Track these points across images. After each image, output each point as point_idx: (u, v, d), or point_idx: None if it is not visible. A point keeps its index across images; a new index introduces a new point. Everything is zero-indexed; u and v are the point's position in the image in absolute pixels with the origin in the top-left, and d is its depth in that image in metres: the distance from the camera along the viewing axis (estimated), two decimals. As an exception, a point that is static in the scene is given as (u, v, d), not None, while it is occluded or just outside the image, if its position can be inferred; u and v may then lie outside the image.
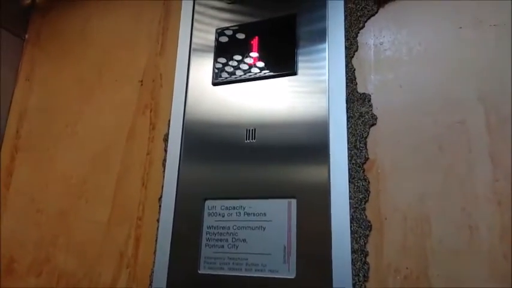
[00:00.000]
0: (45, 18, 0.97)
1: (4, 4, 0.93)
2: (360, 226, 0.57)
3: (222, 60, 0.72)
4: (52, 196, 0.79)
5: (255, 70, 0.69)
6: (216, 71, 0.72)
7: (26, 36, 0.97)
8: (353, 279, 0.55)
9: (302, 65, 0.67)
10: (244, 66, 0.70)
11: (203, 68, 0.74)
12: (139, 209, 0.71)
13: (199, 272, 0.62)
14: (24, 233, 0.79)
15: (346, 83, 0.63)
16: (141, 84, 0.80)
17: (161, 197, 0.69)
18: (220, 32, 0.74)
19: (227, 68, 0.71)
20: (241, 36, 0.72)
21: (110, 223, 0.72)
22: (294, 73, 0.67)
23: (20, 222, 0.80)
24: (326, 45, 0.66)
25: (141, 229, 0.70)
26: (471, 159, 0.54)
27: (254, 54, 0.70)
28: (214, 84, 0.72)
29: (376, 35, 0.64)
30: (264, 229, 0.61)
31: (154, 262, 0.66)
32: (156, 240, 0.67)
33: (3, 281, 0.77)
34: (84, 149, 0.80)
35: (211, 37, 0.75)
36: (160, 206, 0.69)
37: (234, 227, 0.63)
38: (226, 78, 0.71)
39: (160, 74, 0.79)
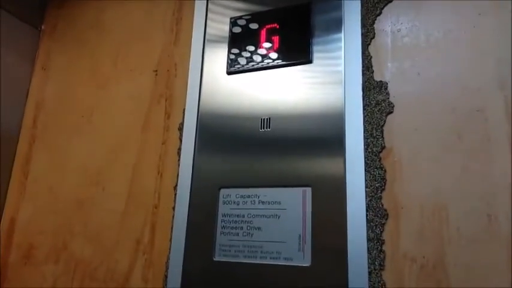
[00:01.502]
0: (61, 10, 0.97)
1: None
2: (376, 215, 0.56)
3: (237, 48, 0.72)
4: (69, 185, 0.80)
5: (269, 59, 0.69)
6: (231, 60, 0.72)
7: (42, 27, 0.98)
8: (369, 267, 0.55)
9: (317, 53, 0.66)
10: (259, 55, 0.70)
11: (217, 57, 0.74)
12: (155, 197, 0.72)
13: (214, 259, 0.63)
14: (42, 221, 0.81)
15: (363, 70, 0.63)
16: (156, 74, 0.80)
17: (176, 185, 0.70)
18: (234, 21, 0.74)
19: (241, 57, 0.71)
20: (255, 25, 0.72)
21: (126, 211, 0.73)
22: (309, 61, 0.66)
23: (38, 210, 0.82)
24: (342, 33, 0.66)
25: (157, 217, 0.70)
26: (490, 147, 0.54)
27: (268, 43, 0.70)
28: (229, 73, 0.72)
29: (393, 21, 0.63)
30: (279, 217, 0.61)
31: (170, 249, 0.67)
32: (171, 228, 0.68)
33: (23, 268, 0.79)
34: (100, 138, 0.81)
35: (226, 26, 0.75)
36: (175, 194, 0.69)
37: (249, 215, 0.63)
38: (241, 67, 0.71)
39: (175, 63, 0.79)
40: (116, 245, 0.72)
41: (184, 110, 0.74)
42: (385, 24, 0.64)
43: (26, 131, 0.90)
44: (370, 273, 0.54)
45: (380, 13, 0.64)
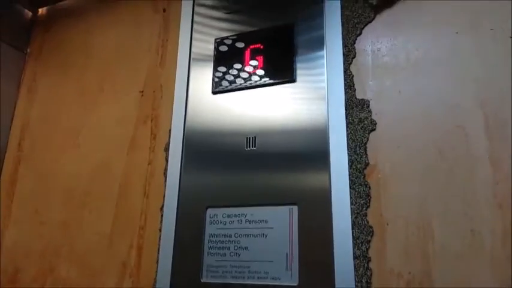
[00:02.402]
0: (47, 33, 0.98)
1: (6, 18, 0.94)
2: (362, 232, 0.57)
3: (222, 69, 0.73)
4: (55, 207, 0.80)
5: (254, 78, 0.70)
6: (216, 79, 0.73)
7: (28, 50, 0.99)
8: (356, 285, 0.55)
9: (301, 72, 0.67)
10: (243, 75, 0.71)
11: (203, 77, 0.75)
12: (142, 218, 0.71)
13: (202, 280, 0.62)
14: (28, 244, 0.79)
15: (345, 89, 0.64)
16: (142, 95, 0.80)
17: (163, 206, 0.69)
18: (219, 42, 0.75)
19: (226, 77, 0.72)
20: (240, 45, 0.73)
21: (113, 233, 0.73)
22: (293, 80, 0.67)
23: (24, 233, 0.81)
24: (324, 52, 0.67)
25: (143, 239, 0.70)
26: (471, 163, 0.54)
27: (252, 62, 0.71)
28: (214, 93, 0.72)
29: (373, 41, 0.65)
30: (266, 236, 0.61)
31: (156, 272, 0.66)
32: (158, 250, 0.67)
33: (7, 293, 0.78)
34: (86, 160, 0.80)
35: (211, 47, 0.76)
36: (162, 215, 0.69)
37: (236, 235, 0.63)
38: (225, 87, 0.71)
39: (160, 84, 0.80)
40: (103, 267, 0.71)
41: (170, 130, 0.74)
42: (366, 43, 0.65)
43: (12, 154, 0.89)
44: (357, 290, 0.54)
45: (360, 33, 0.66)
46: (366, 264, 0.55)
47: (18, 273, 0.78)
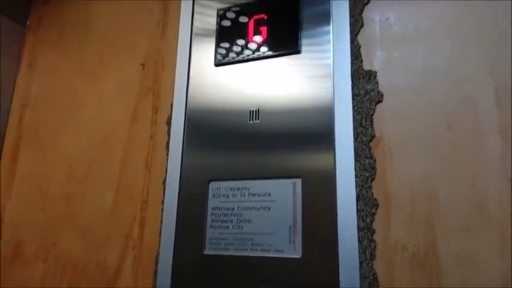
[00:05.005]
0: (46, 5, 0.96)
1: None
2: (366, 204, 0.56)
3: (224, 40, 0.71)
4: (57, 182, 0.79)
5: (257, 50, 0.68)
6: (218, 51, 0.71)
7: (28, 23, 0.97)
8: (360, 257, 0.54)
9: (306, 43, 0.66)
10: (246, 47, 0.69)
11: (205, 49, 0.73)
12: (144, 192, 0.71)
13: (204, 253, 0.62)
14: (31, 219, 0.79)
15: (352, 60, 0.62)
16: (143, 68, 0.79)
17: (165, 179, 0.69)
18: (222, 14, 0.73)
19: (229, 48, 0.70)
20: (243, 16, 0.71)
21: (115, 206, 0.72)
22: (298, 52, 0.66)
23: (26, 208, 0.80)
24: (330, 22, 0.65)
25: (146, 212, 0.70)
26: (480, 134, 0.53)
27: (256, 33, 0.69)
28: (217, 65, 0.71)
29: (381, 10, 0.63)
30: (269, 209, 0.61)
31: (159, 244, 0.66)
32: (161, 223, 0.67)
33: (11, 267, 0.78)
34: (87, 134, 0.79)
35: (213, 18, 0.74)
36: (164, 188, 0.68)
37: (239, 208, 0.63)
38: (228, 58, 0.70)
39: (162, 56, 0.78)
40: (105, 241, 0.71)
41: (172, 103, 0.73)
42: (374, 13, 0.63)
43: (13, 129, 0.88)
44: (361, 263, 0.54)
45: (368, 2, 0.64)
46: (370, 237, 0.55)
47: (21, 248, 0.78)
